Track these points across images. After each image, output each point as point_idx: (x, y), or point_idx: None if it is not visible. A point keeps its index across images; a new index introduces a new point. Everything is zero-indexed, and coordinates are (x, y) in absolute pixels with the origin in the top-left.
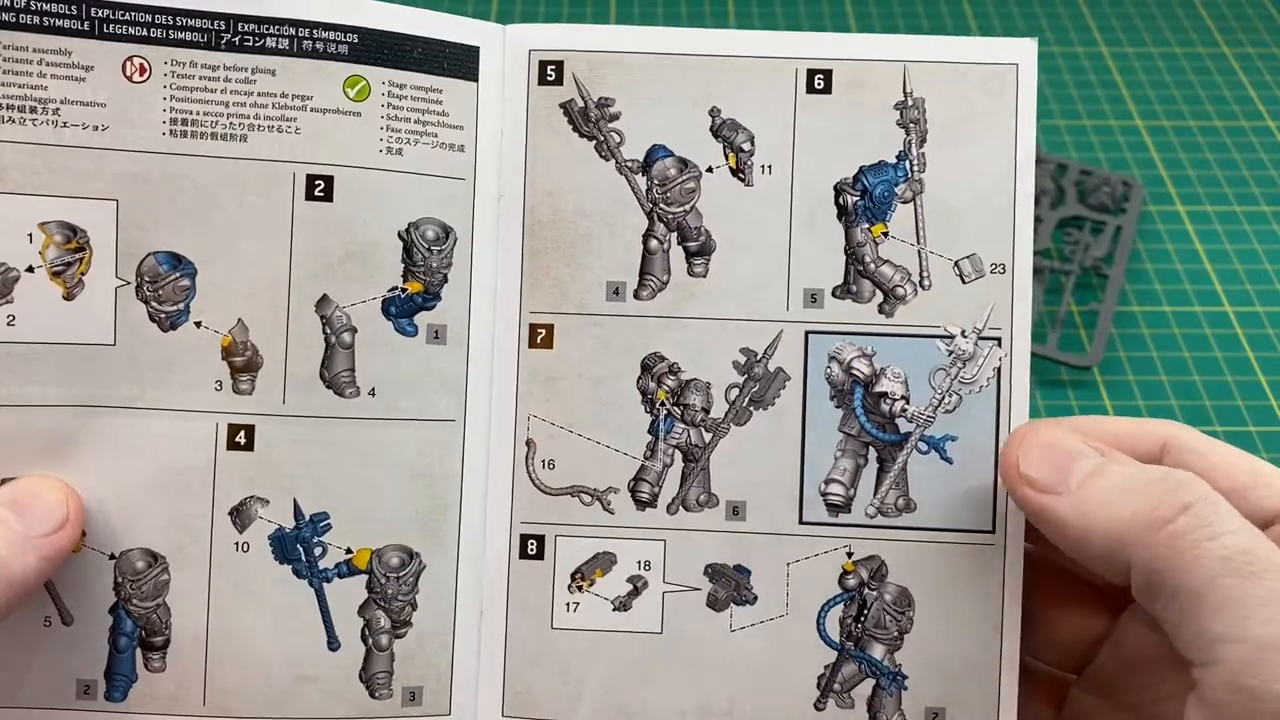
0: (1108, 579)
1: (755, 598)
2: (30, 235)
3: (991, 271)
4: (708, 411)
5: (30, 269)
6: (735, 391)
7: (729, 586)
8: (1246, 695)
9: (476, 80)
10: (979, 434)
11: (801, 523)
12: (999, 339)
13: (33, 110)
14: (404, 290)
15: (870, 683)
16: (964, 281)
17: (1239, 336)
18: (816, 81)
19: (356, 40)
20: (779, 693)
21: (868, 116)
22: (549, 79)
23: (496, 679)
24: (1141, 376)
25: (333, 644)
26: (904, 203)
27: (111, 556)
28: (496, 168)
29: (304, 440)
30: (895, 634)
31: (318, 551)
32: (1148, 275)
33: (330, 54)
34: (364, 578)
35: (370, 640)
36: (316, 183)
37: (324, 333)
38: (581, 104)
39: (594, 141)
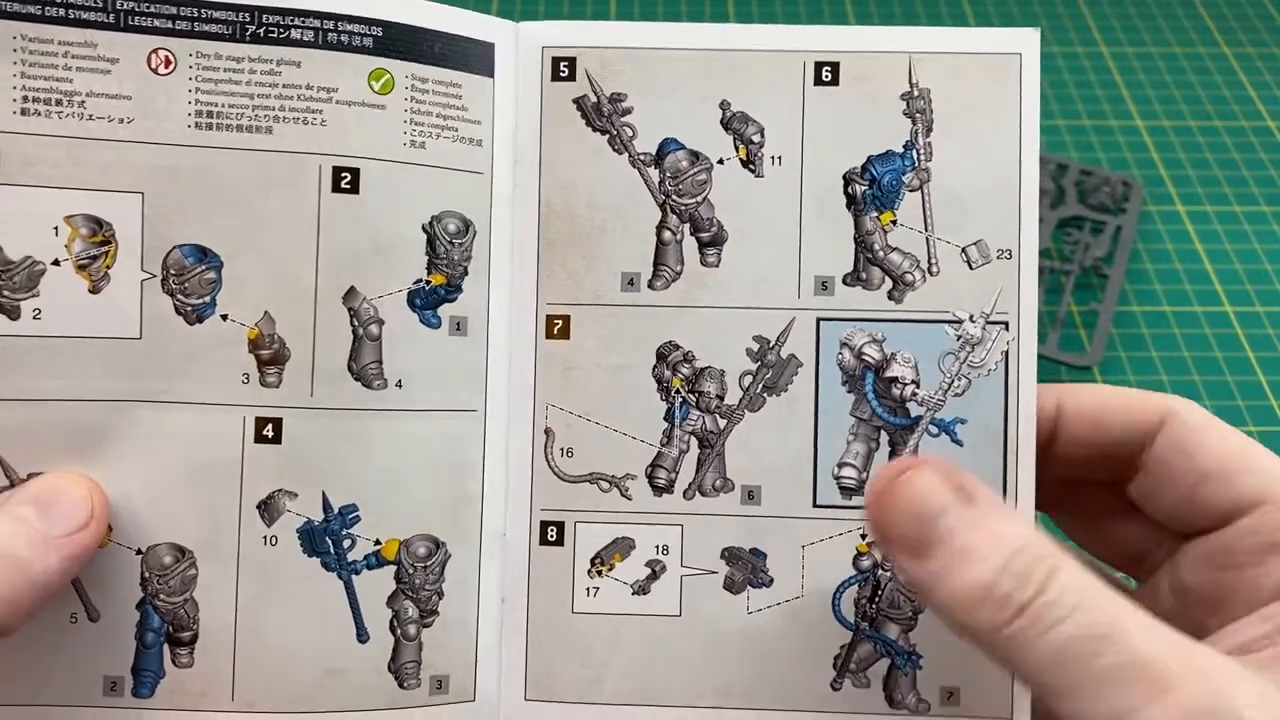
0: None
1: (771, 580)
2: (56, 228)
3: (998, 257)
4: (722, 398)
5: (56, 262)
6: (749, 378)
7: (745, 569)
8: None
9: (493, 76)
10: (988, 417)
11: (815, 506)
12: (1006, 323)
13: (58, 103)
14: (428, 282)
15: (885, 662)
16: (971, 267)
17: (1239, 336)
18: (824, 74)
19: (381, 33)
20: (796, 673)
21: (875, 107)
22: (562, 75)
23: (519, 664)
24: (1141, 376)
25: (362, 636)
26: (911, 191)
27: (138, 551)
28: (512, 162)
29: (332, 432)
30: (909, 614)
31: (346, 544)
32: (1148, 275)
33: (355, 46)
34: (392, 568)
35: (399, 630)
36: (343, 175)
37: (352, 325)
38: (594, 99)
39: (607, 136)
